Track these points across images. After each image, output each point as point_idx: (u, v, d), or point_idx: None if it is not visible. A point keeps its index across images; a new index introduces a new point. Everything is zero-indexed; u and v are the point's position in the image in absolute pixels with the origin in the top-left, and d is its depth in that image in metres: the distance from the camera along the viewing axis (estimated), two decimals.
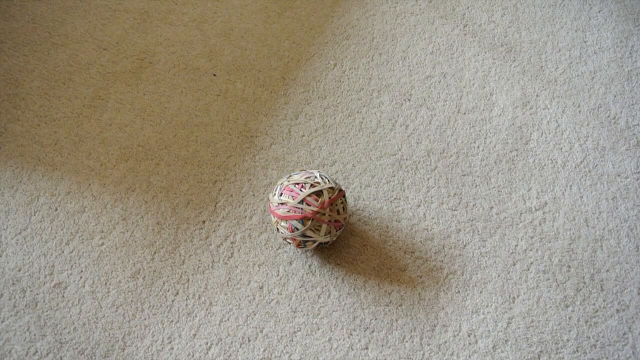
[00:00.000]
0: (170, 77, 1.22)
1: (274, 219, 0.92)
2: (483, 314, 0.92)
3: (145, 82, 1.22)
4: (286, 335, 0.90)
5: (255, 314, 0.92)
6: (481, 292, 0.94)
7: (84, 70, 1.23)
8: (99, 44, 1.28)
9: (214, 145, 1.12)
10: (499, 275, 0.96)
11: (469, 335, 0.90)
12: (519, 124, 1.14)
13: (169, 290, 0.95)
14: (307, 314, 0.92)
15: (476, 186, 1.06)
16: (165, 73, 1.23)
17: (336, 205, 0.90)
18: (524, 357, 0.88)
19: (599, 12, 1.34)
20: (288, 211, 0.89)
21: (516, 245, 0.99)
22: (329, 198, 0.89)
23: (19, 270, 0.97)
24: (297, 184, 0.90)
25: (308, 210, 0.88)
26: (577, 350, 0.89)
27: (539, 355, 0.88)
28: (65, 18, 1.33)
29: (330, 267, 0.97)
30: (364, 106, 1.18)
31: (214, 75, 1.23)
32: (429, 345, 0.89)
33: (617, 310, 0.92)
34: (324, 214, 0.89)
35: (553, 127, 1.14)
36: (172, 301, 0.94)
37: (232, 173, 1.08)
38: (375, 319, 0.91)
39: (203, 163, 1.10)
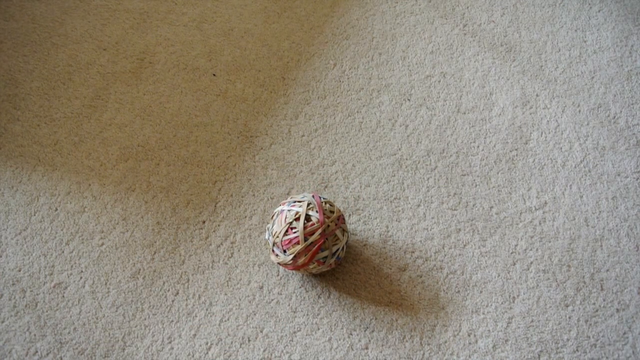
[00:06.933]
0: (170, 77, 1.22)
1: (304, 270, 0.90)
2: (483, 313, 0.92)
3: (145, 82, 1.22)
4: (286, 335, 0.90)
5: (255, 314, 0.92)
6: (481, 292, 0.94)
7: (84, 70, 1.23)
8: (98, 44, 1.28)
9: (214, 145, 1.12)
10: (499, 275, 0.96)
11: (469, 335, 0.90)
12: (519, 124, 1.14)
13: (169, 290, 0.95)
14: (307, 314, 0.92)
15: (476, 186, 1.06)
16: (165, 73, 1.23)
17: (323, 209, 0.88)
18: (524, 356, 0.88)
19: (599, 11, 1.34)
20: (305, 256, 0.87)
21: (516, 245, 0.99)
22: (317, 212, 0.87)
23: (19, 270, 0.97)
24: (287, 231, 0.87)
25: (316, 237, 0.86)
26: (577, 350, 0.89)
27: (539, 355, 0.88)
28: (65, 18, 1.33)
29: None
30: (363, 106, 1.18)
31: (214, 75, 1.23)
32: (429, 345, 0.89)
33: (617, 310, 0.92)
34: (329, 225, 0.87)
35: (553, 127, 1.14)
36: (172, 301, 0.94)
37: (232, 173, 1.08)
38: (375, 319, 0.91)
39: (203, 163, 1.10)
